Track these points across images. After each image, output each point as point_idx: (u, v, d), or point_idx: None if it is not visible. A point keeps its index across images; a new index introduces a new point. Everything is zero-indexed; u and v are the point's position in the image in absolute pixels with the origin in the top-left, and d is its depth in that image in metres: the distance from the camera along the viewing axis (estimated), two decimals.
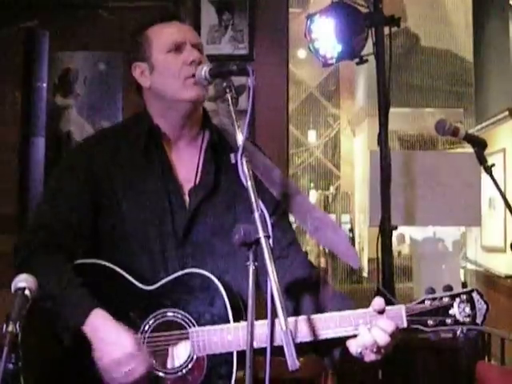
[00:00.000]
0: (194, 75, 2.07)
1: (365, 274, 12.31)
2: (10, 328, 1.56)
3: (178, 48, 2.13)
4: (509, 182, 8.26)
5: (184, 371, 1.97)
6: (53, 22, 4.48)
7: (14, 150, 4.37)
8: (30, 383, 1.96)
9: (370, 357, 1.92)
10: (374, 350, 1.90)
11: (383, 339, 1.88)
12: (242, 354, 1.89)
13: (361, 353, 1.92)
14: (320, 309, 2.03)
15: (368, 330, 1.90)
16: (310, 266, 2.21)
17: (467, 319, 1.91)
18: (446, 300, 1.92)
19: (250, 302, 1.70)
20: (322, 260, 13.23)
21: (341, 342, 1.97)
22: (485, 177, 3.01)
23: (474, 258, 9.93)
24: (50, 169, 4.22)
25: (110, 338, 1.89)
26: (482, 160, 2.84)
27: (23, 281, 1.67)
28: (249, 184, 1.78)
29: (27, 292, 1.65)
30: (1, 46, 4.51)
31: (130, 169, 2.15)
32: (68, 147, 4.59)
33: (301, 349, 1.69)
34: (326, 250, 13.09)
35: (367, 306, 1.97)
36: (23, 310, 1.62)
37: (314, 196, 14.51)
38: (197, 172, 2.17)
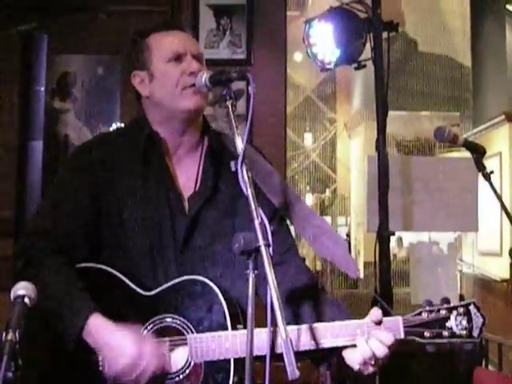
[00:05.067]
0: (193, 85, 2.06)
1: (361, 278, 12.28)
2: (10, 336, 1.55)
3: (178, 58, 2.11)
4: (505, 185, 8.29)
5: (181, 377, 1.96)
6: (51, 25, 4.48)
7: (12, 153, 4.38)
8: None
9: (368, 370, 1.92)
10: (372, 362, 1.89)
11: (382, 351, 1.88)
12: (238, 361, 1.91)
13: (359, 369, 1.92)
14: (317, 316, 2.02)
15: (366, 341, 1.90)
16: (308, 273, 2.20)
17: (464, 332, 1.92)
18: (443, 312, 1.93)
19: (250, 311, 1.69)
20: (318, 263, 13.22)
21: (337, 350, 1.96)
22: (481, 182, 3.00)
23: (470, 262, 9.95)
24: (48, 172, 4.23)
25: (112, 344, 1.89)
26: (480, 167, 2.83)
27: (22, 288, 1.65)
28: (249, 192, 1.77)
29: (26, 300, 1.64)
30: None
31: (130, 175, 2.13)
32: (66, 151, 4.60)
33: (298, 355, 1.68)
34: None
35: (363, 311, 1.96)
36: (22, 318, 1.61)
37: (309, 199, 14.50)
38: (196, 179, 2.16)
